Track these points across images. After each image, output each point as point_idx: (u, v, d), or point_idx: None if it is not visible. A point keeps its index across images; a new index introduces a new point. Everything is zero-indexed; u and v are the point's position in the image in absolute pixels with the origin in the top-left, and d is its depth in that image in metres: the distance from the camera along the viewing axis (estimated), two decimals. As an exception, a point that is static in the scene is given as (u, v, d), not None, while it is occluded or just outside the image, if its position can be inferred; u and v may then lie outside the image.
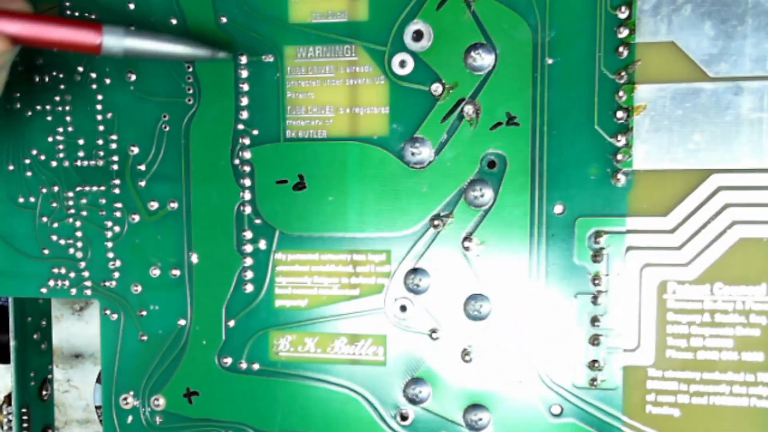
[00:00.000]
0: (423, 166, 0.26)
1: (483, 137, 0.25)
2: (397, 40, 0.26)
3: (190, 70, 0.27)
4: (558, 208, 0.25)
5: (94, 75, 0.28)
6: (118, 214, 0.28)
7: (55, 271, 0.29)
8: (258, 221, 0.27)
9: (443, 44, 0.25)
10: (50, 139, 0.28)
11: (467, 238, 0.26)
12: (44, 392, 0.32)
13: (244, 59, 0.27)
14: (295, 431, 0.27)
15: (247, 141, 0.27)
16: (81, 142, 0.28)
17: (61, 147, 0.28)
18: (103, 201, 0.28)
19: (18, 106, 0.28)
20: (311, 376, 0.27)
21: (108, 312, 0.28)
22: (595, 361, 0.25)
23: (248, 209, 0.27)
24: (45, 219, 0.29)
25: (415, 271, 0.26)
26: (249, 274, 0.27)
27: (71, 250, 0.29)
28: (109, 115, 0.28)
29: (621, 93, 0.24)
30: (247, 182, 0.27)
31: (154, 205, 0.28)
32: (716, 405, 0.24)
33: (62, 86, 0.28)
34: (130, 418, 0.29)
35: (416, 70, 0.26)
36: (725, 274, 0.24)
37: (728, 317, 0.24)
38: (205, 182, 0.27)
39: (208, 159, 0.27)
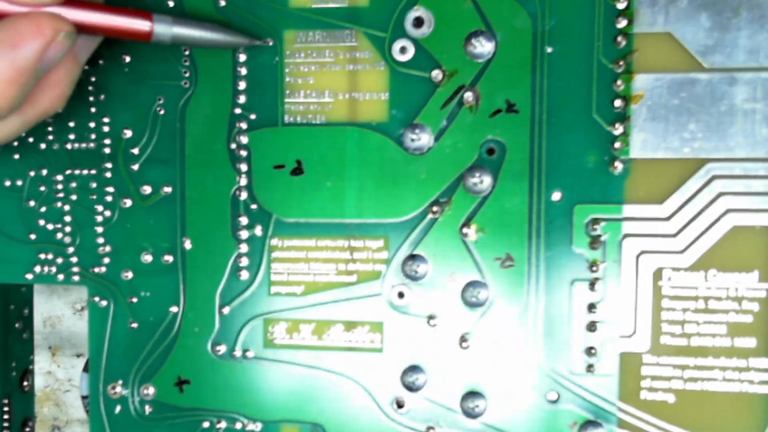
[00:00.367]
0: (422, 152, 0.26)
1: (482, 124, 0.25)
2: (397, 27, 0.26)
3: (187, 53, 0.27)
4: (556, 196, 0.25)
5: (87, 56, 0.27)
6: (109, 198, 0.28)
7: (42, 256, 0.28)
8: (254, 207, 0.27)
9: (444, 31, 0.25)
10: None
11: (466, 224, 0.26)
12: (25, 383, 0.31)
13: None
14: (289, 420, 0.27)
15: (244, 125, 0.27)
16: (72, 124, 0.28)
17: (50, 129, 0.28)
18: (94, 185, 0.28)
19: (6, 86, 0.28)
20: (307, 364, 0.27)
21: (97, 299, 0.28)
22: (591, 347, 0.25)
23: (244, 194, 0.27)
24: (32, 203, 0.28)
25: (413, 257, 0.26)
26: (244, 261, 0.27)
27: (59, 235, 0.28)
28: (102, 96, 0.27)
29: (619, 82, 0.24)
30: (244, 167, 0.27)
31: (147, 190, 0.27)
32: (709, 390, 0.25)
33: (53, 67, 0.27)
34: (118, 408, 0.28)
35: (416, 56, 0.26)
36: (719, 261, 0.25)
37: (721, 304, 0.25)
38: (201, 167, 0.27)
39: (204, 143, 0.27)
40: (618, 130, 0.25)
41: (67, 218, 0.28)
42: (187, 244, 0.27)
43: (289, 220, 0.27)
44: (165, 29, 0.24)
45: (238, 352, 0.27)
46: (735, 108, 0.24)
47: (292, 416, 0.27)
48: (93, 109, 0.27)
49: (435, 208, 0.26)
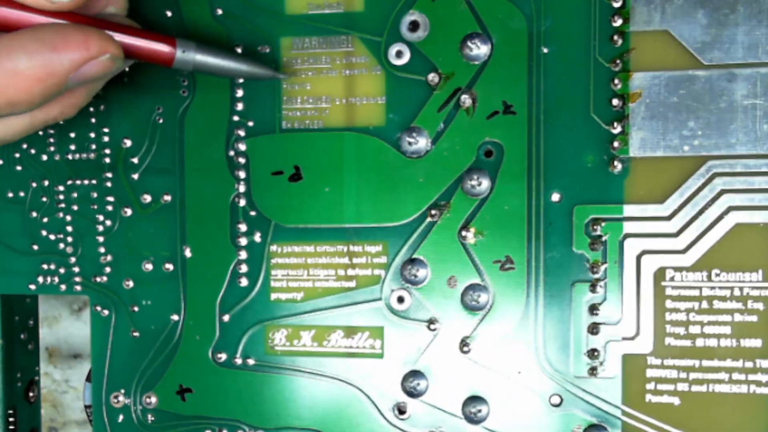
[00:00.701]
0: (420, 155, 0.26)
1: (480, 126, 0.25)
2: (393, 31, 0.26)
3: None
4: (555, 197, 0.25)
5: (86, 67, 0.27)
6: (109, 207, 0.28)
7: (45, 266, 0.28)
8: (253, 213, 0.27)
9: (439, 34, 0.25)
10: (40, 133, 0.28)
11: (465, 227, 0.25)
12: (31, 393, 0.31)
13: (239, 50, 0.26)
14: (291, 427, 0.27)
15: (242, 132, 0.27)
16: (72, 135, 0.28)
17: (51, 140, 0.28)
18: (95, 195, 0.28)
19: (8, 99, 0.28)
20: (308, 370, 0.27)
21: (99, 308, 0.28)
22: (594, 350, 0.25)
23: (243, 201, 0.27)
24: (34, 214, 0.28)
25: (412, 261, 0.26)
26: (244, 268, 0.27)
27: (61, 245, 0.28)
28: (102, 107, 0.28)
29: (616, 81, 0.24)
30: (242, 174, 0.27)
31: (147, 199, 0.27)
32: (716, 392, 0.24)
33: (54, 79, 0.28)
34: (121, 417, 0.28)
35: (412, 60, 0.26)
36: (722, 260, 0.24)
37: (726, 304, 0.24)
38: (200, 175, 0.27)
39: (203, 151, 0.27)
40: (616, 129, 0.24)
41: (69, 228, 0.28)
42: (188, 252, 0.27)
43: (288, 226, 0.27)
44: (187, 55, 0.23)
45: (239, 360, 0.27)
46: (735, 104, 0.24)
47: (293, 423, 0.27)
48: (93, 120, 0.28)
49: (433, 212, 0.26)
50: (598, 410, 0.25)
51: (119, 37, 0.22)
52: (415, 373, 0.26)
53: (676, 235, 0.24)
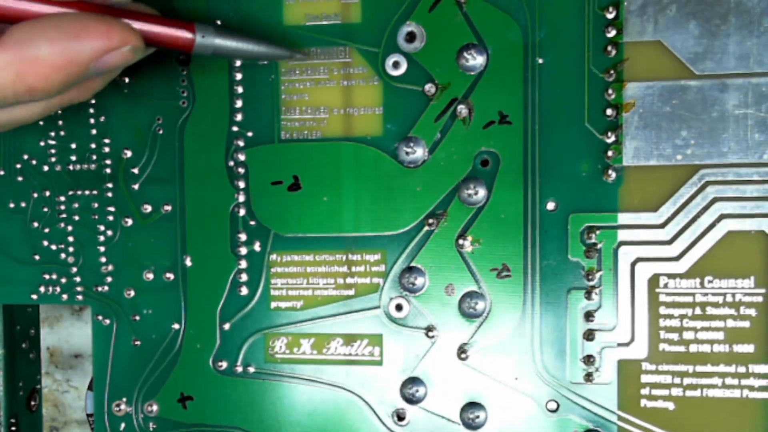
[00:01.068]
0: (417, 165, 0.26)
1: (476, 136, 0.26)
2: (390, 42, 0.26)
3: (185, 72, 0.27)
4: (551, 205, 0.25)
5: (87, 79, 0.28)
6: (110, 218, 0.28)
7: (46, 276, 0.28)
8: (253, 223, 0.27)
9: (436, 45, 0.26)
10: (42, 144, 0.28)
11: (462, 236, 0.26)
12: (32, 402, 0.31)
13: (238, 62, 0.27)
14: (291, 433, 0.27)
15: (241, 143, 0.27)
16: (73, 146, 0.28)
17: (53, 151, 0.28)
18: (96, 205, 0.28)
19: (9, 110, 0.28)
20: (307, 378, 0.27)
21: (100, 317, 0.28)
22: (590, 356, 0.25)
23: (243, 211, 0.27)
24: (36, 224, 0.28)
25: (410, 269, 0.26)
26: (244, 277, 0.27)
27: (63, 255, 0.28)
28: (102, 118, 0.28)
29: (610, 91, 0.25)
30: (242, 184, 0.27)
31: (147, 209, 0.28)
32: (709, 397, 0.25)
33: (54, 90, 0.28)
34: (122, 426, 0.28)
35: (409, 70, 0.26)
36: (715, 267, 0.25)
37: (719, 310, 0.25)
38: (199, 184, 0.27)
39: (202, 161, 0.27)
40: (610, 138, 0.25)
41: (70, 238, 0.28)
42: (188, 262, 0.28)
43: (287, 236, 0.27)
44: (206, 40, 0.23)
45: (239, 368, 0.27)
46: (727, 114, 0.24)
47: (294, 430, 0.27)
48: (94, 131, 0.28)
49: (431, 221, 0.26)
50: (594, 415, 0.25)
51: (139, 25, 0.22)
52: (413, 380, 0.26)
53: (670, 242, 0.25)
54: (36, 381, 0.32)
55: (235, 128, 0.27)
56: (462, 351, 0.26)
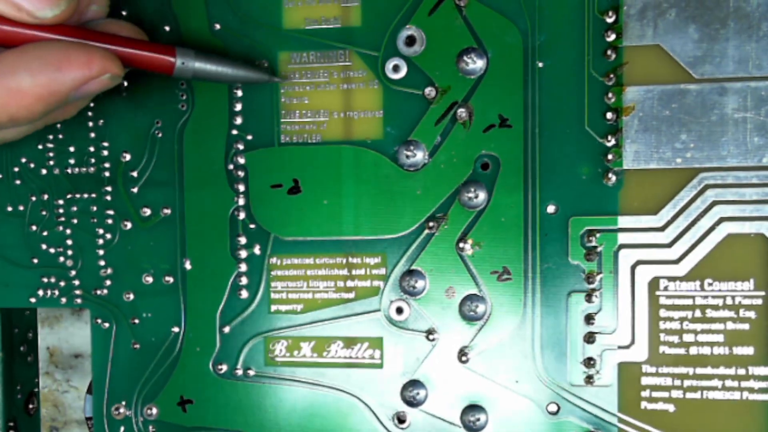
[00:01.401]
0: (417, 168, 0.26)
1: (476, 139, 0.26)
2: (390, 46, 0.26)
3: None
4: (551, 208, 0.25)
5: (85, 82, 0.28)
6: (109, 221, 0.28)
7: (45, 280, 0.28)
8: (252, 226, 0.27)
9: (435, 49, 0.26)
10: (40, 147, 0.28)
11: (462, 239, 0.26)
12: (31, 406, 0.31)
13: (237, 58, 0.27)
14: (291, 437, 0.27)
15: (241, 146, 0.27)
16: (72, 149, 0.28)
17: (51, 154, 0.28)
18: (95, 208, 0.28)
19: (7, 113, 0.28)
20: (308, 381, 0.27)
21: (99, 320, 0.28)
22: (590, 358, 0.25)
23: (242, 214, 0.27)
24: (34, 227, 0.28)
25: (410, 273, 0.26)
26: (243, 280, 0.27)
27: (61, 259, 0.28)
28: (101, 121, 0.28)
29: (610, 95, 0.25)
30: (242, 187, 0.27)
31: (146, 212, 0.28)
32: (710, 399, 0.25)
33: (53, 93, 0.28)
34: (122, 429, 0.28)
35: (409, 74, 0.26)
36: (714, 269, 0.25)
37: (719, 312, 0.25)
38: (199, 188, 0.27)
39: (202, 164, 0.27)
40: (610, 142, 0.25)
41: (69, 242, 0.28)
42: (187, 265, 0.27)
43: (287, 239, 0.27)
44: (188, 65, 0.24)
45: (239, 371, 0.27)
46: (726, 117, 0.24)
47: (294, 434, 0.27)
48: (92, 134, 0.28)
49: (431, 224, 0.26)
50: (595, 418, 0.25)
51: (120, 49, 0.23)
52: (414, 383, 0.26)
53: (670, 245, 0.25)
54: (34, 384, 0.31)
55: (234, 131, 0.27)
56: (462, 354, 0.26)
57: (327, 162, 0.27)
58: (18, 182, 0.28)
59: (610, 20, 0.25)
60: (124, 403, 0.28)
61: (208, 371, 0.28)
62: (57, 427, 0.34)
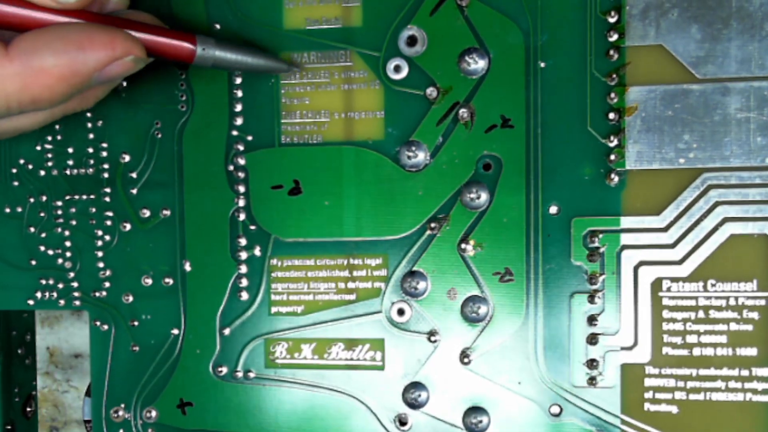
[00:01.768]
0: (419, 169, 0.26)
1: (478, 140, 0.26)
2: (391, 46, 0.26)
3: (183, 76, 0.27)
4: (553, 209, 0.25)
5: (84, 82, 0.27)
6: (108, 222, 0.28)
7: (43, 282, 0.28)
8: (253, 227, 0.27)
9: (437, 49, 0.26)
10: (38, 148, 0.28)
11: (464, 240, 0.26)
12: (28, 409, 0.31)
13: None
14: (292, 439, 0.27)
15: (241, 147, 0.27)
16: (70, 150, 0.28)
17: (49, 155, 0.28)
18: (93, 210, 0.28)
19: (5, 114, 0.28)
20: (309, 383, 0.27)
21: (98, 323, 0.28)
22: (593, 360, 0.25)
23: (243, 215, 0.27)
24: (32, 229, 0.28)
25: (412, 274, 0.26)
26: (244, 282, 0.27)
27: (60, 260, 0.28)
28: (100, 122, 0.28)
29: (612, 95, 0.25)
30: (242, 188, 0.27)
31: (146, 213, 0.27)
32: (713, 400, 0.25)
33: (51, 94, 0.28)
34: (121, 432, 0.28)
35: (411, 74, 0.26)
36: (718, 270, 0.25)
37: (722, 313, 0.25)
38: (199, 189, 0.27)
39: (202, 165, 0.27)
40: (613, 142, 0.25)
41: (68, 243, 0.28)
42: (187, 266, 0.27)
43: (287, 240, 0.27)
44: (208, 52, 0.24)
45: (239, 373, 0.27)
46: (729, 117, 0.24)
47: (295, 436, 0.27)
48: (91, 135, 0.28)
49: (433, 225, 0.26)
50: (598, 419, 0.25)
51: (141, 35, 0.23)
52: (415, 385, 0.26)
53: (673, 246, 0.25)
54: (32, 387, 0.31)
55: (234, 132, 0.27)
56: (464, 355, 0.26)
57: (328, 163, 0.26)
58: (16, 183, 0.28)
59: (612, 20, 0.25)
60: (123, 405, 0.28)
61: (208, 373, 0.27)
62: (57, 427, 0.34)
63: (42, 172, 0.28)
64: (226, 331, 0.27)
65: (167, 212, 0.27)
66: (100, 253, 0.28)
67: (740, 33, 0.24)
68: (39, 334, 0.35)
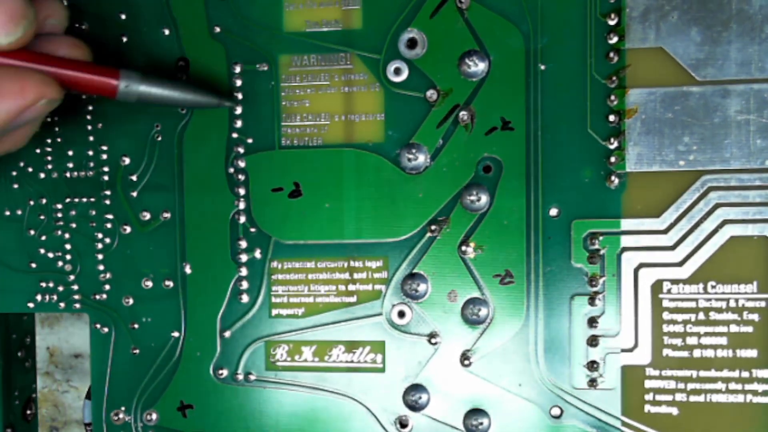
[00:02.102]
0: (419, 171, 0.26)
1: (478, 142, 0.26)
2: (391, 48, 0.26)
3: (183, 78, 0.27)
4: (553, 211, 0.25)
5: (84, 85, 0.27)
6: (108, 225, 0.28)
7: (43, 284, 0.28)
8: (253, 230, 0.27)
9: (437, 51, 0.26)
10: (38, 151, 0.28)
11: (464, 242, 0.26)
12: (28, 411, 0.31)
13: (238, 68, 0.27)
14: (293, 442, 0.27)
15: (241, 149, 0.27)
16: (70, 153, 0.28)
17: (49, 158, 0.28)
18: (93, 212, 0.28)
19: (5, 117, 0.28)
20: (309, 385, 0.27)
21: (98, 325, 0.28)
22: (593, 362, 0.25)
23: (243, 218, 0.27)
24: (32, 232, 0.28)
25: (412, 276, 0.26)
26: (244, 284, 0.27)
27: (60, 263, 0.28)
28: (100, 125, 0.28)
29: (612, 97, 0.25)
30: (242, 191, 0.27)
31: (146, 216, 0.27)
32: (713, 402, 0.25)
33: (51, 97, 0.28)
34: (121, 435, 0.28)
35: (411, 77, 0.26)
36: (718, 272, 0.25)
37: (722, 315, 0.25)
38: (199, 192, 0.27)
39: (202, 168, 0.27)
40: (613, 144, 0.25)
41: (68, 246, 0.28)
42: (187, 269, 0.27)
43: (288, 243, 0.27)
44: (132, 87, 0.23)
45: (240, 376, 0.27)
46: (729, 120, 0.24)
47: (296, 439, 0.27)
48: (91, 138, 0.28)
49: (433, 227, 0.26)
50: (599, 421, 0.25)
51: (59, 71, 0.22)
52: (416, 387, 0.26)
53: (673, 248, 0.25)
54: (32, 390, 0.31)
55: (234, 135, 0.27)
56: (465, 357, 0.26)
57: (328, 165, 0.26)
58: (16, 186, 0.28)
59: (612, 23, 0.25)
60: (123, 408, 0.28)
61: (208, 376, 0.27)
62: (57, 428, 0.34)
63: (42, 175, 0.28)
64: (227, 334, 0.27)
65: (167, 215, 0.27)
66: (100, 256, 0.28)
67: (740, 35, 0.24)
68: (39, 334, 0.35)
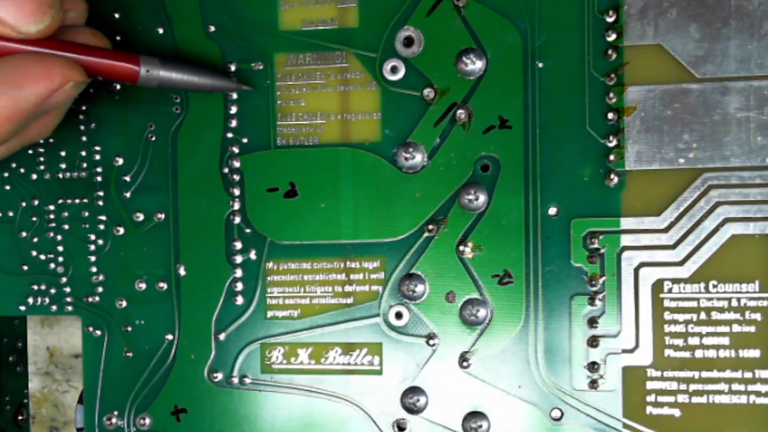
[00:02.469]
0: (416, 170, 0.26)
1: (476, 141, 0.25)
2: (388, 47, 0.26)
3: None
4: (552, 210, 0.25)
5: (77, 85, 0.27)
6: (101, 226, 0.27)
7: (35, 287, 0.28)
8: (248, 231, 0.27)
9: (434, 50, 0.25)
10: (30, 152, 0.28)
11: (462, 242, 0.25)
12: (20, 417, 0.30)
13: (233, 67, 0.26)
14: (289, 446, 0.26)
15: (236, 149, 0.26)
16: (63, 153, 0.27)
17: (41, 159, 0.28)
18: (86, 214, 0.27)
19: (-3, 117, 0.28)
20: (305, 388, 0.26)
21: (91, 328, 0.27)
22: (594, 363, 0.25)
23: (238, 219, 0.27)
24: (24, 233, 0.28)
25: (410, 277, 0.26)
26: (239, 286, 0.27)
27: (52, 265, 0.28)
28: (93, 125, 0.27)
29: (611, 95, 0.24)
30: (237, 191, 0.26)
31: (139, 217, 0.27)
32: (715, 403, 0.24)
33: (44, 97, 0.27)
34: (114, 440, 0.27)
35: (408, 75, 0.26)
36: (719, 271, 0.24)
37: (724, 315, 0.24)
38: (193, 192, 0.27)
39: (196, 168, 0.27)
40: (612, 142, 0.25)
41: (60, 248, 0.27)
42: (182, 271, 0.27)
43: (284, 243, 0.26)
44: (152, 73, 0.23)
45: (235, 379, 0.27)
46: (728, 117, 0.24)
47: (291, 443, 0.26)
48: (84, 138, 0.27)
49: (431, 227, 0.26)
50: (599, 423, 0.25)
51: (82, 58, 0.22)
52: (414, 389, 0.26)
53: (673, 247, 0.24)
54: (24, 395, 0.31)
55: (229, 134, 0.26)
56: (463, 359, 0.26)
57: (324, 165, 0.26)
58: (8, 187, 0.28)
59: (610, 20, 0.24)
60: (116, 413, 0.27)
61: (203, 379, 0.27)
62: (57, 427, 0.34)
63: (34, 176, 0.28)
64: (222, 336, 0.27)
65: (161, 216, 0.27)
66: (93, 258, 0.27)
67: (739, 32, 0.24)
68: (39, 334, 0.34)
